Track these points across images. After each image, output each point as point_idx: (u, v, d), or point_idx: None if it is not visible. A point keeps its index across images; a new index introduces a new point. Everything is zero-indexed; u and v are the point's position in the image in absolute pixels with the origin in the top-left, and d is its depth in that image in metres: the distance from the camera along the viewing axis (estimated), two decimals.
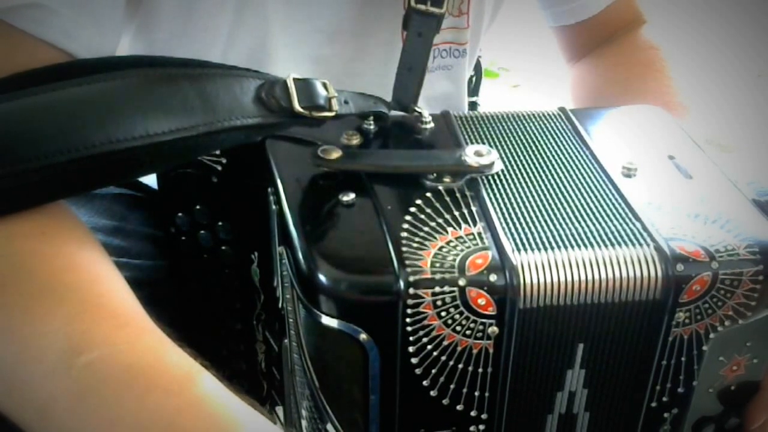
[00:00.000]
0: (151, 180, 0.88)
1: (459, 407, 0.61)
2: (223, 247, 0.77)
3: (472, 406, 0.61)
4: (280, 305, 0.69)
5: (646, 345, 0.62)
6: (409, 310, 0.57)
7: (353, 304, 0.58)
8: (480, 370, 0.60)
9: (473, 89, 1.07)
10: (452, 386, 0.60)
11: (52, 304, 0.57)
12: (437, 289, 0.57)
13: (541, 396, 0.63)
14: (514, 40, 2.22)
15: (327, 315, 0.58)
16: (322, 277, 0.58)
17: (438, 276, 0.57)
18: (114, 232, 0.87)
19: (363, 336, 0.58)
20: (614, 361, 0.62)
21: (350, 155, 0.67)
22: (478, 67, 1.07)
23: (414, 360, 0.59)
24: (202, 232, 0.77)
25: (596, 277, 0.59)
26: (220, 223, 0.76)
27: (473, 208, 0.63)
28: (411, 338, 0.58)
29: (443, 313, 0.58)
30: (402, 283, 0.57)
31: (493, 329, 0.58)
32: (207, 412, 0.53)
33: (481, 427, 0.62)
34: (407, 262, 0.58)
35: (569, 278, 0.59)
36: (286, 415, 0.76)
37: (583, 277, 0.59)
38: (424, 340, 0.58)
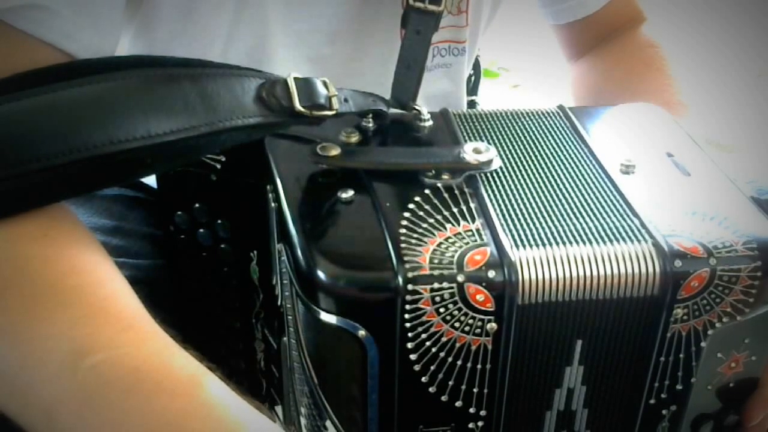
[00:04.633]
0: (150, 179, 0.88)
1: (458, 404, 0.61)
2: (222, 246, 0.77)
3: (470, 402, 0.61)
4: (279, 303, 0.69)
5: (644, 341, 0.62)
6: (407, 306, 0.57)
7: (352, 300, 0.58)
8: (479, 366, 0.60)
9: (472, 88, 1.07)
10: (451, 383, 0.60)
11: (55, 307, 0.56)
12: (436, 285, 0.57)
13: (540, 393, 0.63)
14: (514, 40, 2.22)
15: (326, 312, 0.58)
16: (320, 274, 0.58)
17: (436, 272, 0.57)
18: (113, 232, 0.87)
19: (362, 332, 0.58)
20: (613, 358, 0.62)
21: (349, 152, 0.68)
22: (476, 66, 1.07)
23: (413, 356, 0.59)
24: (201, 230, 0.77)
25: (594, 273, 0.59)
26: (219, 222, 0.76)
27: (472, 205, 0.63)
28: (410, 335, 0.58)
29: (442, 310, 0.58)
30: (400, 280, 0.57)
31: (492, 325, 0.59)
32: (214, 416, 0.53)
33: (480, 423, 0.62)
34: (406, 258, 0.58)
35: (567, 274, 0.59)
36: (285, 414, 0.76)
37: (581, 274, 0.59)
38: (423, 336, 0.58)
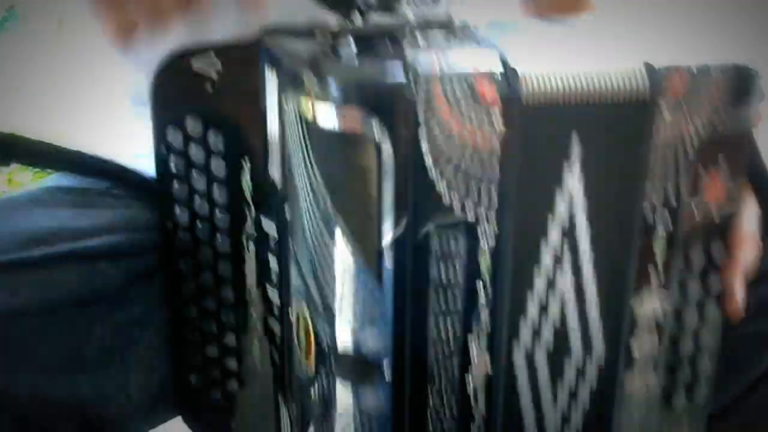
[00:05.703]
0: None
1: (467, 204, 0.64)
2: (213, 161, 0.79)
3: (479, 203, 0.64)
4: (277, 190, 0.71)
5: (635, 146, 0.66)
6: (420, 104, 0.60)
7: (365, 99, 0.60)
8: (487, 166, 0.63)
9: None
10: (461, 185, 0.63)
11: None
12: (447, 85, 0.61)
13: (543, 195, 0.66)
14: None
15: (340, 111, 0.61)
16: (332, 80, 0.61)
17: (448, 71, 0.61)
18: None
19: (377, 134, 0.60)
20: (607, 160, 0.66)
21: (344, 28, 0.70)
22: None
23: (424, 147, 0.61)
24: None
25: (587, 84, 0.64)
26: (212, 136, 0.78)
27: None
28: (423, 130, 0.61)
29: (454, 104, 0.61)
30: (412, 77, 0.60)
31: (500, 126, 0.62)
32: None
33: (487, 226, 0.65)
34: (416, 64, 0.61)
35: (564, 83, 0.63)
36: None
37: (575, 84, 0.63)
38: (436, 131, 0.61)
